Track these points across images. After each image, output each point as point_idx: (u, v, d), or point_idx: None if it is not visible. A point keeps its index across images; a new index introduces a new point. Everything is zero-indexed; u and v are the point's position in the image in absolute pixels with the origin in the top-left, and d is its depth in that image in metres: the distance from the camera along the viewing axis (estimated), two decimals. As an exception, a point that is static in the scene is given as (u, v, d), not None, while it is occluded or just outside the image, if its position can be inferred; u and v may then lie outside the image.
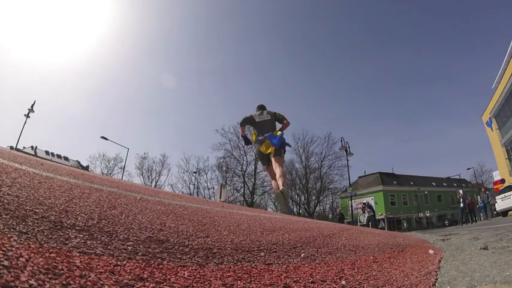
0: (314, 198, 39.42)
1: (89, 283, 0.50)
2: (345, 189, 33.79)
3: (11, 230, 0.62)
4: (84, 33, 68.02)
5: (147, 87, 64.16)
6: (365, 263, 1.29)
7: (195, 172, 37.83)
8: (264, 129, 4.68)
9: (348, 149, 18.89)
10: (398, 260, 1.50)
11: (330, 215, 38.52)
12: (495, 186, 22.12)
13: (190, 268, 0.75)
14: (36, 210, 0.80)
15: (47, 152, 39.78)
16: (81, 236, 0.73)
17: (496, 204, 14.05)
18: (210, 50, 72.60)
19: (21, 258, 0.50)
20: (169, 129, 66.02)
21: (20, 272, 0.45)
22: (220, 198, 10.25)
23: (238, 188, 36.68)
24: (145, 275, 0.62)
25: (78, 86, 58.98)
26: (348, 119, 70.00)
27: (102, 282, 0.53)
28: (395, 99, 71.70)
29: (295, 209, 35.42)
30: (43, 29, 61.76)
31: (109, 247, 0.72)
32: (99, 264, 0.60)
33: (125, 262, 0.66)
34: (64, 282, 0.48)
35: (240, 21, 76.18)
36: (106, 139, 24.19)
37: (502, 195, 13.35)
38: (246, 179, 36.60)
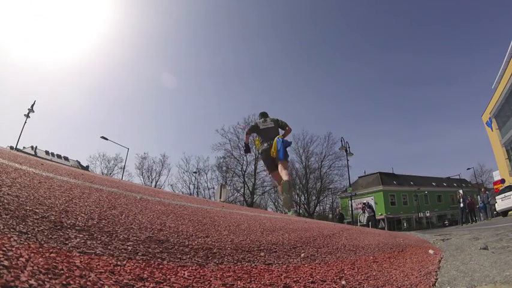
0: (314, 198, 39.40)
1: (89, 283, 0.50)
2: (345, 189, 33.77)
3: (11, 230, 0.62)
4: (84, 32, 68.20)
5: (147, 87, 64.28)
6: (365, 263, 1.29)
7: (195, 172, 37.85)
8: (268, 136, 4.85)
9: (348, 149, 18.88)
10: (398, 260, 1.50)
11: (330, 215, 38.47)
12: (495, 186, 22.12)
13: (190, 268, 0.75)
14: (36, 210, 0.80)
15: (47, 152, 39.76)
16: (81, 236, 0.73)
17: (496, 204, 14.04)
18: (210, 50, 72.66)
19: (21, 258, 0.50)
20: (169, 129, 66.05)
21: (20, 272, 0.45)
22: (220, 198, 10.26)
23: (238, 188, 36.71)
24: (145, 275, 0.62)
25: (78, 86, 59.09)
26: (348, 119, 69.97)
27: (102, 282, 0.53)
28: (395, 99, 71.76)
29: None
30: (43, 28, 61.82)
31: (109, 247, 0.72)
32: (99, 264, 0.60)
33: (125, 262, 0.66)
34: (64, 282, 0.48)
35: (239, 22, 76.25)
36: (106, 139, 24.19)
37: (502, 195, 13.34)
38: (246, 179, 36.61)
